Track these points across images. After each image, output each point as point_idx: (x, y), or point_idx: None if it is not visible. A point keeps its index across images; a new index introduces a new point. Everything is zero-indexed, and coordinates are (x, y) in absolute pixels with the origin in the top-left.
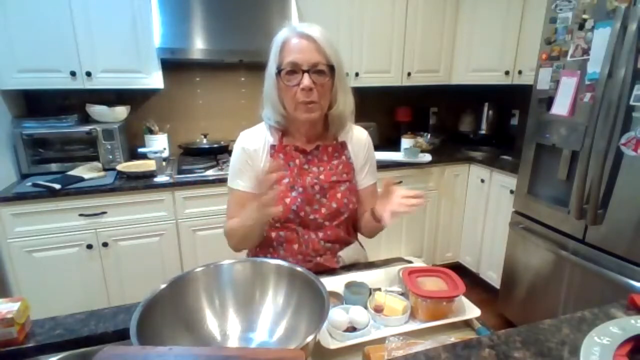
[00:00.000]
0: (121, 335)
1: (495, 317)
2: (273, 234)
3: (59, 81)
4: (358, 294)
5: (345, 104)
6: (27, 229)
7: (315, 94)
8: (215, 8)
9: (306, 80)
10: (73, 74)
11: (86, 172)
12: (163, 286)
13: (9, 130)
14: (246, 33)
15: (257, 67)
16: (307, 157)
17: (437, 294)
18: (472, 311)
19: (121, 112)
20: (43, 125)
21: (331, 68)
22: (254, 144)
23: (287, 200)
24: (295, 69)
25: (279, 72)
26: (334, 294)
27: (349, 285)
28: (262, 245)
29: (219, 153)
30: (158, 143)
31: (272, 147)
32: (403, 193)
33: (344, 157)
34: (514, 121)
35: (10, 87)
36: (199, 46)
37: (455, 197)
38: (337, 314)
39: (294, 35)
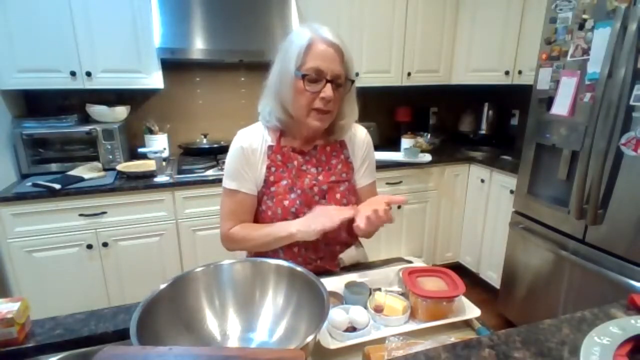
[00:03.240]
0: (121, 335)
1: (495, 317)
2: None
3: (59, 81)
4: (358, 294)
5: (351, 115)
6: (27, 229)
7: (332, 105)
8: (215, 8)
9: (328, 91)
10: (73, 74)
11: (86, 172)
12: (163, 286)
13: (9, 130)
14: (246, 33)
15: (257, 67)
16: (305, 158)
17: (437, 294)
18: (472, 311)
19: (121, 112)
20: (43, 125)
21: (350, 82)
22: (252, 144)
23: (286, 203)
24: (318, 77)
25: (302, 76)
26: (334, 294)
27: (349, 285)
28: None
29: (219, 153)
30: (158, 143)
31: (270, 147)
32: (384, 205)
33: (342, 157)
34: (514, 121)
35: (10, 87)
36: (199, 46)
37: (455, 197)
38: (337, 314)
39: (320, 40)
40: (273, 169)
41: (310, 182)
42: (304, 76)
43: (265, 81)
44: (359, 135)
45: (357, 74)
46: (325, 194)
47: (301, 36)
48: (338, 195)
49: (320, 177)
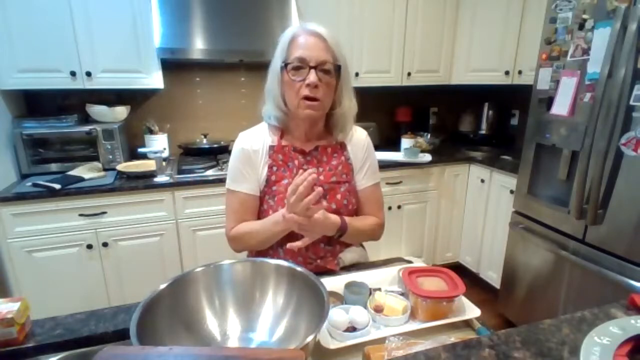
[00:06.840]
0: (121, 335)
1: (495, 317)
2: None
3: (59, 81)
4: (358, 294)
5: (350, 106)
6: (27, 229)
7: (320, 92)
8: (216, 8)
9: (312, 76)
10: (73, 74)
11: (86, 172)
12: (163, 286)
13: (9, 130)
14: (246, 33)
15: (257, 67)
16: (306, 158)
17: (437, 294)
18: (472, 311)
19: (121, 112)
20: (43, 125)
21: (338, 68)
22: (253, 145)
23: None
24: (302, 65)
25: (285, 65)
26: (334, 294)
27: (349, 285)
28: None
29: (219, 153)
30: (158, 143)
31: (271, 147)
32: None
33: (343, 158)
34: (514, 121)
35: (10, 87)
36: (199, 46)
37: (455, 197)
38: (337, 314)
39: (303, 32)
40: (274, 168)
41: None
42: (287, 65)
43: (265, 84)
44: (360, 137)
45: (357, 74)
46: (326, 193)
47: (286, 33)
48: (339, 196)
49: (321, 177)
